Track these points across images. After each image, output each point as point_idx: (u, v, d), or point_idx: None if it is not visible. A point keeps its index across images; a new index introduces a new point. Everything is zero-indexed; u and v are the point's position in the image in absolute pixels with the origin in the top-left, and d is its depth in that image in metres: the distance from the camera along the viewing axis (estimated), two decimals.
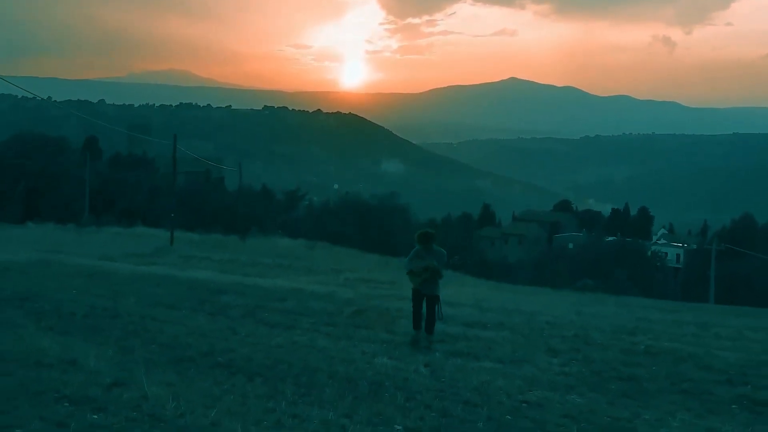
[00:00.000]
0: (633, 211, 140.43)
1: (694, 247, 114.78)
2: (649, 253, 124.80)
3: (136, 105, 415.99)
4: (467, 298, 13.73)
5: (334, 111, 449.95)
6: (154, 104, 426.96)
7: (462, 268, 48.59)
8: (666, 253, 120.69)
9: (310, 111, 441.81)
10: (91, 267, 14.57)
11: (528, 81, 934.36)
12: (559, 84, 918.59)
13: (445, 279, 21.61)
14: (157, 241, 37.54)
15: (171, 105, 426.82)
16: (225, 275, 15.41)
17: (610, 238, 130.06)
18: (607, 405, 6.22)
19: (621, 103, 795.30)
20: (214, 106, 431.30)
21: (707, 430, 5.64)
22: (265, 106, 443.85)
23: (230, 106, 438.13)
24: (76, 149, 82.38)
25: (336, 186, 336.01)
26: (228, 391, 6.02)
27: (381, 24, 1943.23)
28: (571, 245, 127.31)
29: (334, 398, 6.03)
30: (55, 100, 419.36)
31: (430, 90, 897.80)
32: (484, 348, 8.38)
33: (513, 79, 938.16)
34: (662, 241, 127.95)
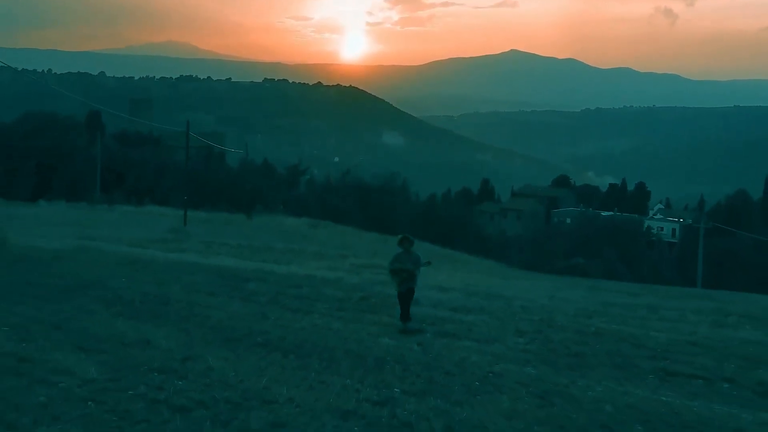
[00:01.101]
0: (630, 186, 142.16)
1: (690, 222, 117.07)
2: (645, 227, 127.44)
3: (136, 77, 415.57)
4: (458, 283, 15.69)
5: (335, 84, 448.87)
6: (154, 76, 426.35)
7: (460, 246, 50.58)
8: (662, 228, 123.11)
9: (311, 84, 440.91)
10: (130, 255, 16.54)
11: (529, 53, 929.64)
12: (561, 56, 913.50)
13: (440, 262, 23.65)
14: (169, 220, 39.56)
15: (171, 77, 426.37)
16: (245, 262, 17.36)
17: (606, 213, 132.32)
18: (553, 375, 8.23)
19: (622, 75, 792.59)
20: (214, 78, 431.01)
21: (623, 393, 7.66)
22: (265, 78, 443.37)
23: (230, 78, 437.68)
24: (80, 123, 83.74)
25: (336, 159, 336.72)
26: (270, 364, 8.05)
27: None
28: (568, 220, 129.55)
29: (349, 369, 8.06)
30: (55, 72, 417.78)
31: (431, 62, 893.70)
32: (465, 330, 10.40)
33: (514, 51, 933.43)
34: (658, 216, 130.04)
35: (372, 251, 34.55)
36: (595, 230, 50.60)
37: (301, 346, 8.91)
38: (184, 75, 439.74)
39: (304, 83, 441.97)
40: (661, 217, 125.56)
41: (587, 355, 9.21)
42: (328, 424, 6.21)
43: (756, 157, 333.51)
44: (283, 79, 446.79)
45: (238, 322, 10.13)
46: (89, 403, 6.49)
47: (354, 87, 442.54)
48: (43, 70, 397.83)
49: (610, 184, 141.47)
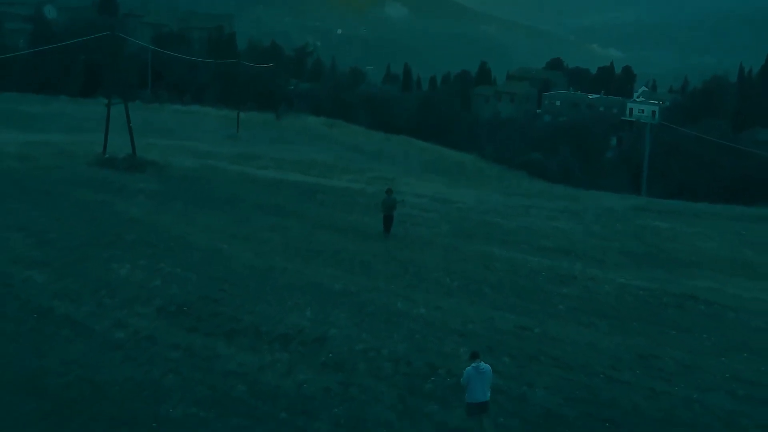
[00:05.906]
0: (618, 69, 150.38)
1: (668, 104, 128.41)
2: (627, 110, 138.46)
3: None
4: (429, 191, 27.49)
5: None
6: None
7: (453, 139, 61.33)
8: (643, 110, 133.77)
9: None
10: (243, 173, 27.90)
11: None
12: None
13: (423, 174, 35.75)
14: (219, 123, 51.01)
15: None
16: (306, 177, 28.96)
17: (593, 96, 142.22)
18: (455, 242, 20.16)
19: None
20: None
21: (481, 248, 19.54)
22: None
23: None
24: (121, 23, 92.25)
25: (339, 31, 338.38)
26: (345, 237, 19.98)
27: None
28: (558, 103, 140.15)
29: (374, 239, 19.99)
30: None
31: None
32: (424, 221, 22.24)
33: None
34: (641, 99, 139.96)
35: (378, 151, 46.44)
36: (556, 128, 61.33)
37: (356, 230, 21.08)
38: None
39: None
40: (643, 99, 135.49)
41: (475, 234, 21.44)
42: (368, 257, 18.49)
43: (765, 28, 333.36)
44: None
45: (323, 218, 22.23)
46: (297, 248, 18.75)
47: None
48: None
49: (599, 68, 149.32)
